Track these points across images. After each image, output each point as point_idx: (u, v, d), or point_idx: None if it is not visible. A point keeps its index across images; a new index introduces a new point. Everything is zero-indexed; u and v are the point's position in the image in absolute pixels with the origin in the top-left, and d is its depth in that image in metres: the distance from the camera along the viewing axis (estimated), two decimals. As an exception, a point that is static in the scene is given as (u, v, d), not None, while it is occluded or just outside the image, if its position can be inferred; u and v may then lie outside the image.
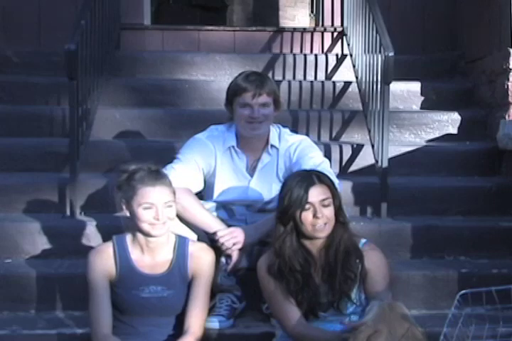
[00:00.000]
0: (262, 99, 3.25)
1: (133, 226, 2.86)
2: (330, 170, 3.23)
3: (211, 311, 3.15)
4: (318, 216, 2.75)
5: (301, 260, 2.79)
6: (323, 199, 2.77)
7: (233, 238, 3.08)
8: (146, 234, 2.83)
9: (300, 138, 3.41)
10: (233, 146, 3.33)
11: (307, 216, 2.75)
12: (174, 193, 2.87)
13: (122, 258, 2.86)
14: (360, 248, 2.84)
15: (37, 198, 3.91)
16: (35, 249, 3.63)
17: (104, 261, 2.86)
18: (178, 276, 2.88)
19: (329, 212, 2.78)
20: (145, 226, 2.81)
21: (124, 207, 2.86)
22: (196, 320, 2.84)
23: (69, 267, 3.47)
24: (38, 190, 3.92)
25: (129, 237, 2.90)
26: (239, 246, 3.09)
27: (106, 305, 2.83)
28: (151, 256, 2.88)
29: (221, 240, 3.08)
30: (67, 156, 3.95)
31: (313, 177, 2.80)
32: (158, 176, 2.84)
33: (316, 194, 2.76)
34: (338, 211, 2.82)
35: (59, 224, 3.74)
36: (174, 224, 3.04)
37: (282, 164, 3.34)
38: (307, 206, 2.75)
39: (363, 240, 2.90)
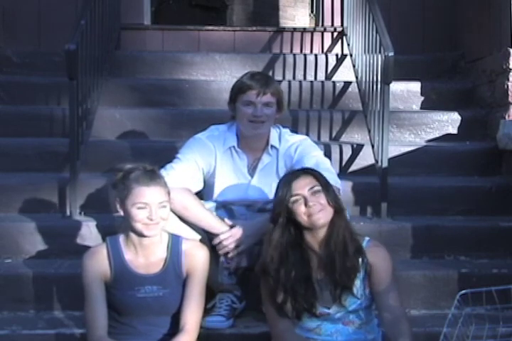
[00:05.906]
0: (266, 98, 3.25)
1: (126, 226, 2.85)
2: (332, 170, 3.23)
3: (211, 311, 3.16)
4: (309, 204, 2.76)
5: (296, 256, 2.80)
6: (311, 188, 2.78)
7: (236, 240, 3.08)
8: (139, 234, 2.82)
9: (300, 138, 3.41)
10: (234, 146, 3.33)
11: (299, 207, 2.77)
12: (169, 194, 2.86)
13: (116, 259, 2.85)
14: (356, 239, 2.84)
15: (37, 198, 3.91)
16: (35, 248, 3.63)
17: (98, 262, 2.84)
18: (173, 275, 2.87)
19: (321, 198, 2.78)
20: (138, 226, 2.79)
21: (118, 206, 2.85)
22: (192, 317, 2.83)
23: (69, 267, 3.47)
24: (37, 190, 3.92)
25: (122, 238, 2.89)
26: (241, 247, 3.09)
27: (101, 306, 2.82)
28: (145, 256, 2.87)
29: (224, 243, 3.08)
30: (67, 156, 3.95)
31: (297, 172, 2.85)
32: (153, 176, 2.82)
33: (302, 185, 2.78)
34: (333, 198, 2.81)
35: (59, 224, 3.74)
36: (174, 224, 3.04)
37: (283, 164, 3.34)
38: (297, 198, 2.76)
39: (367, 238, 2.90)
